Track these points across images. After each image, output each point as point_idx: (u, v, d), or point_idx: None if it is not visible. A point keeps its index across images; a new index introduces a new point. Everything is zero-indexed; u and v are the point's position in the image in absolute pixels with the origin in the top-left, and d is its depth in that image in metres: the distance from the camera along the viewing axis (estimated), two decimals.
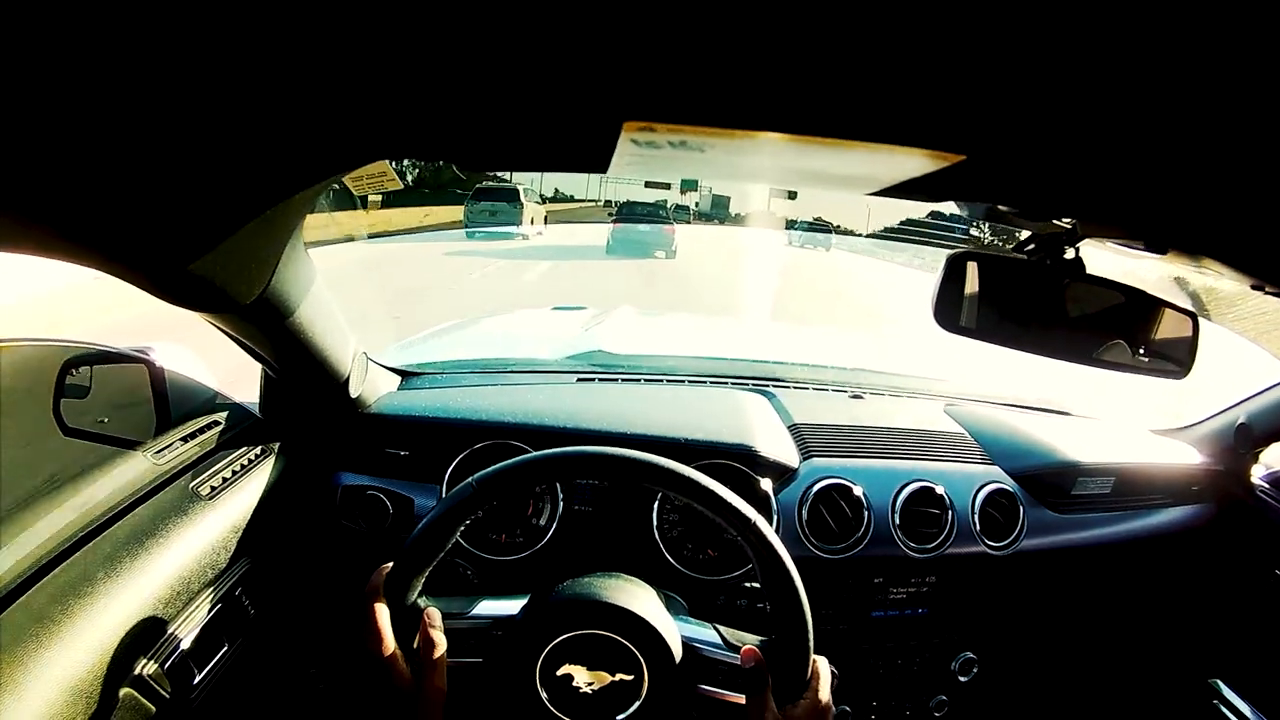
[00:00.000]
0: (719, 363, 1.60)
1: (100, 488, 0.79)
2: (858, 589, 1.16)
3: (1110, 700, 1.44)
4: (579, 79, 0.35)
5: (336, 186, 0.69)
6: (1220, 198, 0.47)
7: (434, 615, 0.69)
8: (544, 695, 0.68)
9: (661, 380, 1.44)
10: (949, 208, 0.78)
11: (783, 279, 13.16)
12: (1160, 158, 0.41)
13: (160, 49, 0.34)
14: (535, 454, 0.73)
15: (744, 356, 1.66)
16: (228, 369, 1.06)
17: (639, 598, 0.71)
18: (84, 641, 0.65)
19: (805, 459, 1.19)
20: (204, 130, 0.44)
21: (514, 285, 8.98)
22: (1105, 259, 0.76)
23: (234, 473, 0.94)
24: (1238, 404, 1.40)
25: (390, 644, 0.66)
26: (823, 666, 0.71)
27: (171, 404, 0.94)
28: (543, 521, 1.10)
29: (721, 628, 0.74)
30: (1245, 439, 1.36)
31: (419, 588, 0.71)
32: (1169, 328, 0.76)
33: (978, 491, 1.20)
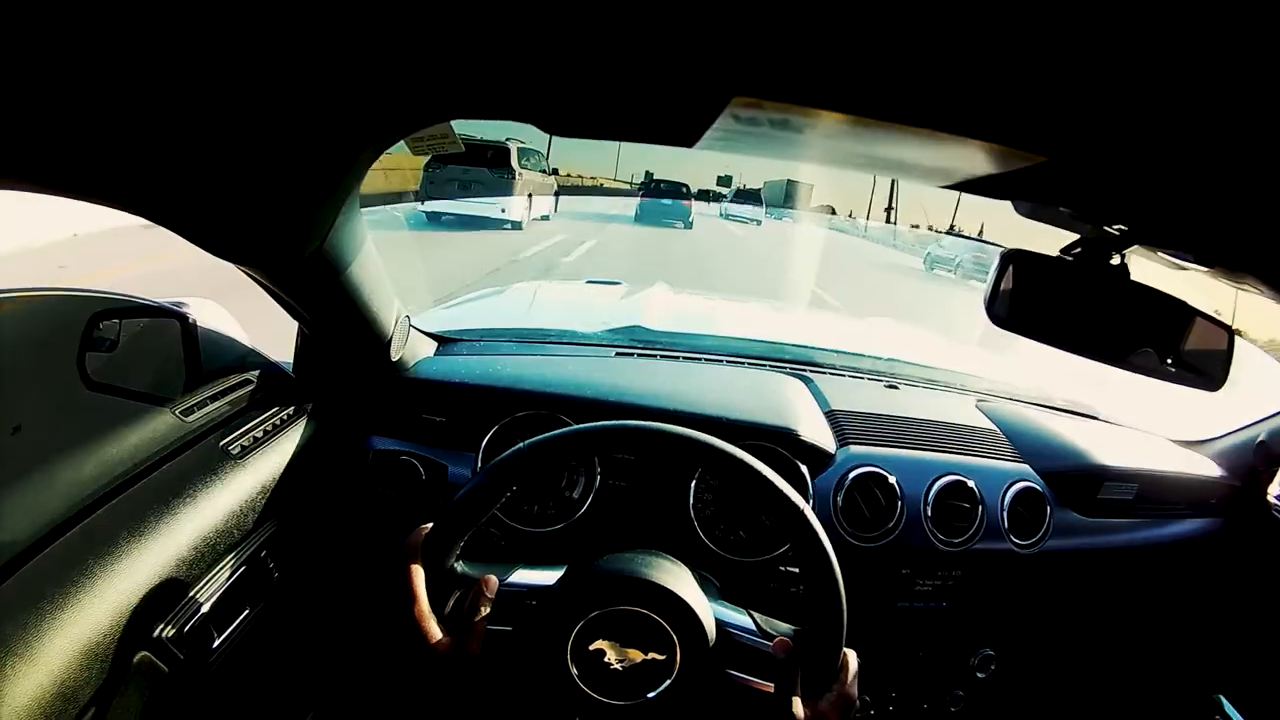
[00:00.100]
0: (756, 345, 1.59)
1: (125, 444, 0.77)
2: (886, 578, 1.15)
3: (1118, 707, 1.44)
4: (699, 45, 0.34)
5: None
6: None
7: (491, 583, 0.69)
8: (574, 669, 0.67)
9: (700, 359, 1.43)
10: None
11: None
12: (1228, 173, 0.42)
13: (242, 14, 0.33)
14: (592, 424, 0.72)
15: (780, 340, 1.64)
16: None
17: (679, 578, 0.70)
18: (102, 603, 0.63)
19: (842, 445, 1.19)
20: (278, 86, 0.44)
21: None
22: (1147, 268, 0.77)
23: (265, 433, 0.93)
24: (1259, 421, 1.40)
25: (424, 605, 0.66)
26: (851, 660, 0.71)
27: (204, 361, 0.92)
28: (576, 494, 1.10)
29: (756, 614, 0.73)
30: (1265, 457, 1.36)
31: (458, 551, 0.70)
32: (1204, 339, 0.76)
33: (1008, 488, 1.19)
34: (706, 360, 1.43)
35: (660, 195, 17.15)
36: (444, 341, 1.33)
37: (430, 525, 0.70)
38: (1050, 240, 0.77)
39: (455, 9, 0.34)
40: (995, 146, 0.43)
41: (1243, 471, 1.39)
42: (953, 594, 1.18)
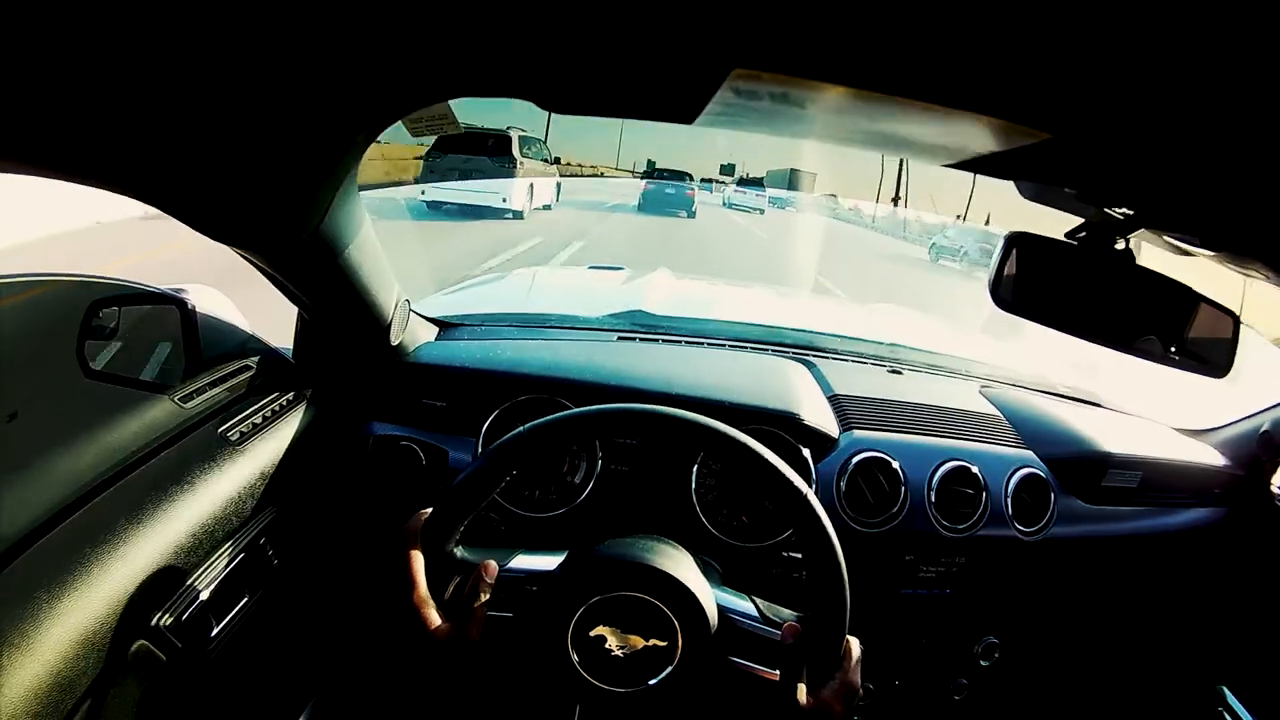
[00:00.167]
0: (759, 329, 1.58)
1: (123, 432, 0.77)
2: (889, 564, 1.15)
3: (1121, 696, 1.44)
4: (698, 15, 0.33)
5: None
6: None
7: (491, 568, 0.68)
8: (574, 656, 0.66)
9: (702, 343, 1.43)
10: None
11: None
12: (1237, 156, 0.42)
13: None
14: (592, 408, 0.71)
15: (783, 324, 1.64)
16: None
17: (681, 563, 0.70)
18: (99, 592, 0.63)
19: (845, 430, 1.18)
20: (273, 63, 0.44)
21: None
22: (1153, 255, 0.77)
23: (264, 419, 0.93)
24: (1262, 411, 1.39)
25: (423, 590, 0.66)
26: (854, 647, 0.70)
27: (203, 347, 0.92)
28: (578, 479, 1.09)
29: (759, 600, 0.73)
30: (1268, 446, 1.35)
31: (457, 536, 0.70)
32: (1209, 326, 0.76)
33: (1012, 474, 1.19)
34: (709, 344, 1.42)
35: (663, 184, 17.09)
36: (445, 326, 1.32)
37: (429, 510, 0.70)
38: (1056, 229, 0.76)
39: None
40: (998, 122, 0.42)
41: (1246, 461, 1.38)
42: (956, 581, 1.18)
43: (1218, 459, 1.38)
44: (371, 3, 0.37)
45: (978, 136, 0.46)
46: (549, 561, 0.71)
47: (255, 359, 0.99)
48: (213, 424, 0.87)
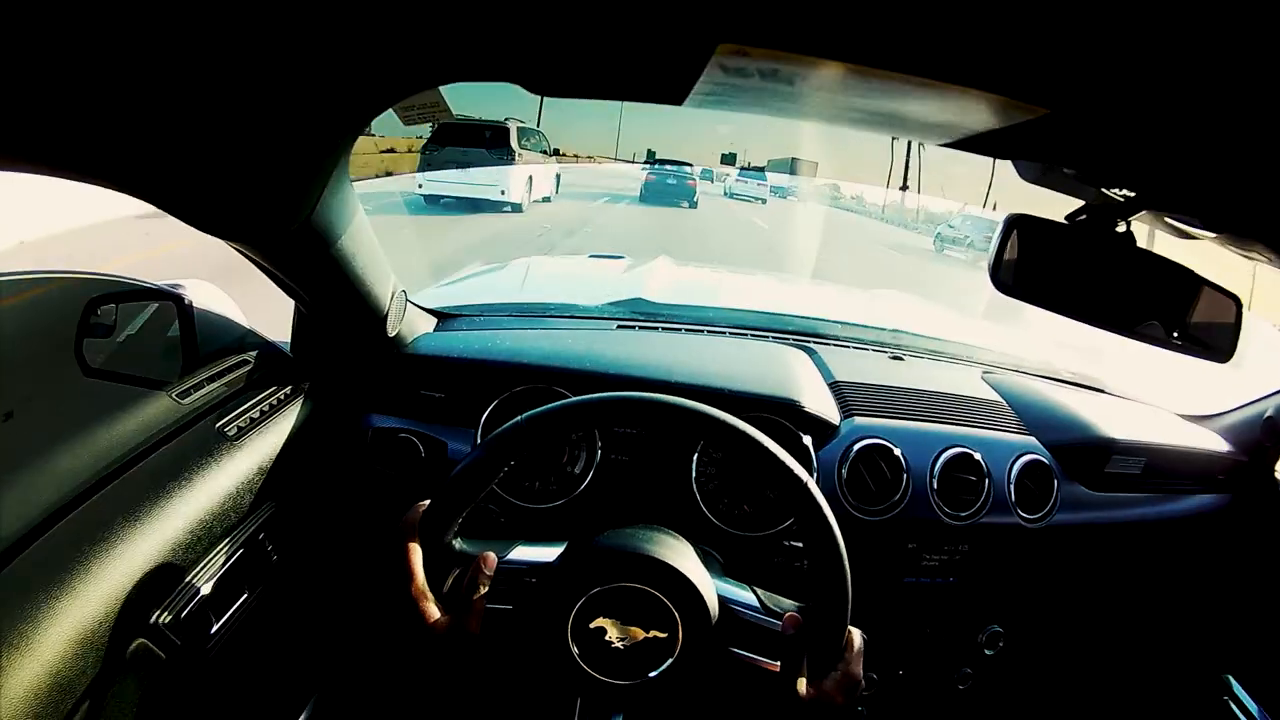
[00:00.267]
0: (759, 316, 1.57)
1: (121, 429, 0.77)
2: (892, 552, 1.14)
3: (1126, 685, 1.44)
4: None
5: None
6: None
7: (490, 560, 0.68)
8: (574, 648, 0.66)
9: (702, 330, 1.42)
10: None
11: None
12: (1237, 135, 0.41)
13: None
14: (590, 397, 0.71)
15: (783, 311, 1.63)
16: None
17: (681, 554, 0.69)
18: (97, 591, 0.63)
19: (846, 417, 1.17)
20: (257, 51, 0.43)
21: None
22: (1154, 241, 0.76)
23: (261, 413, 0.92)
24: (1266, 396, 1.38)
25: (422, 582, 0.65)
26: (856, 638, 0.70)
27: (200, 343, 0.92)
28: (578, 470, 1.09)
29: (760, 591, 0.73)
30: (1272, 433, 1.34)
31: (456, 528, 0.69)
32: (1212, 310, 0.75)
33: (1014, 461, 1.18)
34: (709, 332, 1.42)
35: (665, 175, 16.98)
36: (443, 317, 1.32)
37: (427, 502, 0.69)
38: (1060, 215, 0.75)
39: None
40: (993, 98, 0.41)
41: (1250, 447, 1.37)
42: (960, 569, 1.17)
43: (1222, 445, 1.38)
44: None
45: (972, 113, 0.46)
46: (548, 553, 0.71)
47: (252, 353, 0.99)
48: (210, 419, 0.87)
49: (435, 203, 9.61)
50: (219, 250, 0.75)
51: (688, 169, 17.93)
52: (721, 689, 0.69)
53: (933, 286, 9.07)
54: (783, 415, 1.11)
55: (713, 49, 0.38)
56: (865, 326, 1.59)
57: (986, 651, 1.23)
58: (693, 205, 15.84)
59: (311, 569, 1.02)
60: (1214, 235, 0.69)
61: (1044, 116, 0.43)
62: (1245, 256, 0.73)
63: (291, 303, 1.00)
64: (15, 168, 0.52)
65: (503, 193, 9.62)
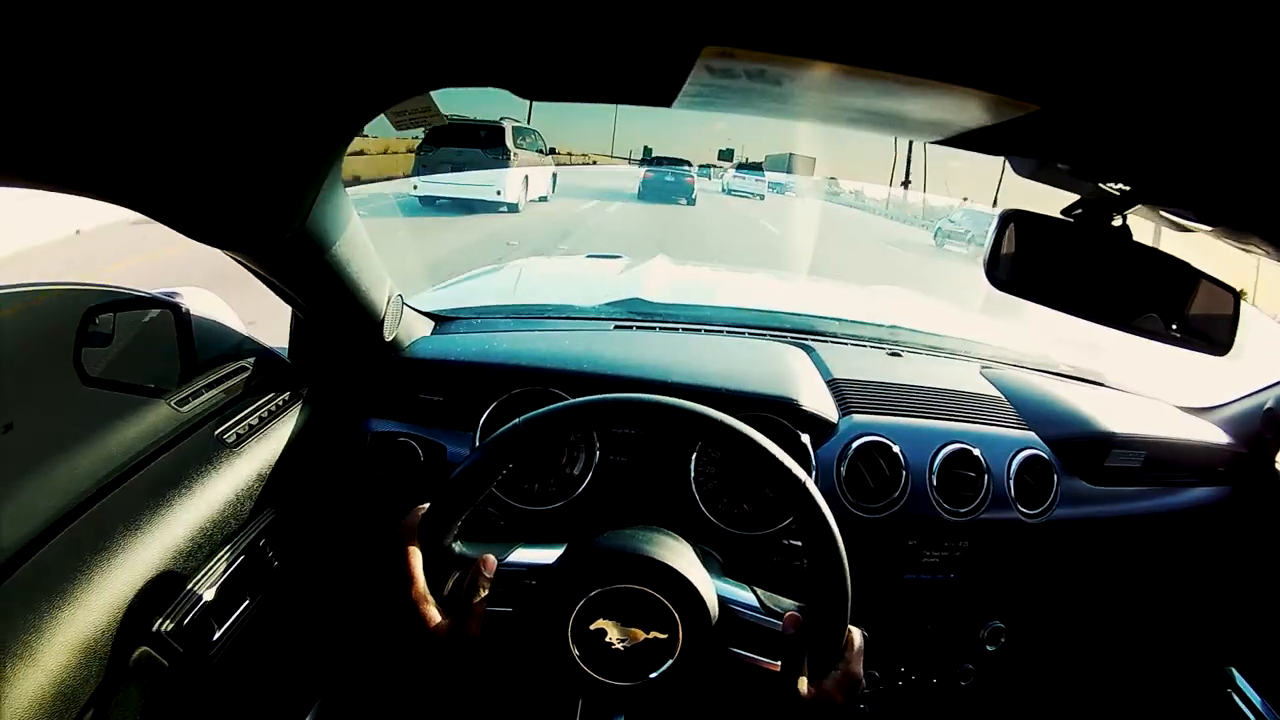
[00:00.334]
0: (757, 314, 1.57)
1: (120, 438, 0.77)
2: (892, 550, 1.14)
3: (1129, 679, 1.44)
4: None
5: None
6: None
7: (490, 562, 0.68)
8: (575, 650, 0.66)
9: (700, 330, 1.42)
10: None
11: None
12: (1231, 128, 0.41)
13: None
14: (587, 399, 0.71)
15: (781, 309, 1.63)
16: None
17: (680, 554, 0.69)
18: (99, 599, 0.63)
19: (844, 415, 1.17)
20: (248, 58, 0.43)
21: None
22: (1150, 230, 0.76)
23: (260, 419, 0.92)
24: (1266, 388, 1.38)
25: (422, 586, 0.65)
26: (856, 637, 0.70)
27: (198, 350, 0.92)
28: (577, 471, 1.09)
29: (760, 591, 0.73)
30: (1272, 424, 1.34)
31: (455, 531, 0.70)
32: (1210, 303, 0.75)
33: (1014, 456, 1.18)
34: (706, 331, 1.41)
35: (663, 173, 17.00)
36: (441, 321, 1.32)
37: (427, 506, 0.70)
38: (1056, 210, 0.75)
39: None
40: (983, 95, 0.41)
41: (1250, 439, 1.37)
42: (960, 565, 1.17)
43: (1222, 437, 1.37)
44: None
45: (962, 111, 0.46)
46: (548, 555, 0.71)
47: (250, 360, 0.99)
48: (209, 427, 0.87)
49: (431, 204, 9.57)
50: (217, 255, 0.75)
51: (685, 166, 17.96)
52: (722, 689, 0.69)
53: (933, 281, 9.10)
54: (781, 414, 1.11)
55: (698, 51, 0.37)
56: (863, 323, 1.59)
57: (988, 647, 1.23)
58: (691, 202, 15.86)
59: (312, 574, 1.02)
60: (1209, 229, 0.69)
61: (1035, 113, 0.43)
62: (1242, 249, 0.73)
63: (289, 309, 1.00)
64: (3, 181, 0.52)
65: (499, 193, 9.59)
